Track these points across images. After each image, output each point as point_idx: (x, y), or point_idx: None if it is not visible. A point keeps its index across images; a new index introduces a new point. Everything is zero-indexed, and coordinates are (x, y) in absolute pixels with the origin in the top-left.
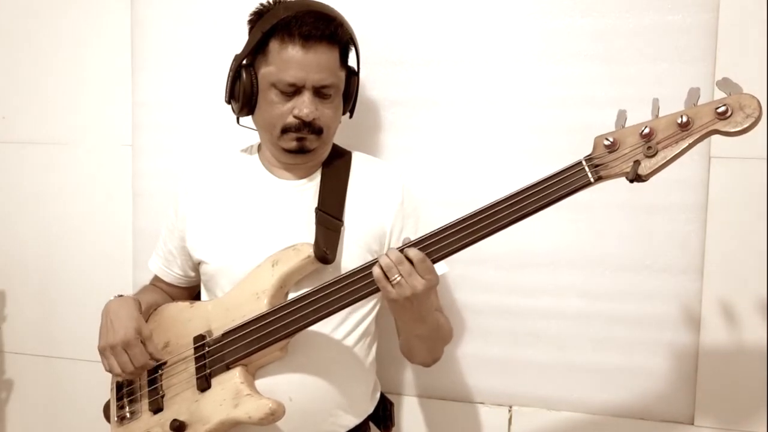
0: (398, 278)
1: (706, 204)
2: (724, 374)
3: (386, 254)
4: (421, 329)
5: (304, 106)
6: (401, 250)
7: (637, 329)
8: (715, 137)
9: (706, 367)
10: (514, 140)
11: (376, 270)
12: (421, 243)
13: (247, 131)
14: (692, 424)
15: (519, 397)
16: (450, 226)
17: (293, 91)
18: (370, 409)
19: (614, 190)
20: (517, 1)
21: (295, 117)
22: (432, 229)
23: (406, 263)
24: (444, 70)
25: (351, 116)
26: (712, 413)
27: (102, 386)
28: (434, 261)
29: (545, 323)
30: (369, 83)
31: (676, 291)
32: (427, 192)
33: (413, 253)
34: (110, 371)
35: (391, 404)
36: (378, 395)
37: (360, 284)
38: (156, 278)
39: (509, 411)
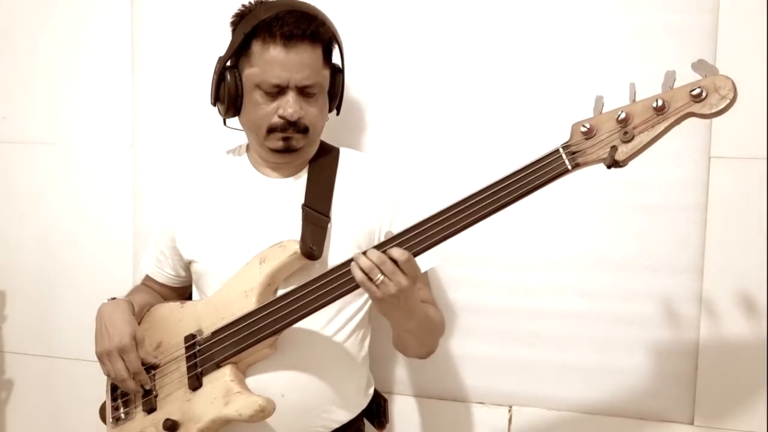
0: (381, 278)
1: (706, 204)
2: (723, 374)
3: (364, 255)
4: (411, 323)
5: (289, 105)
6: (382, 250)
7: (637, 329)
8: (716, 136)
9: (705, 367)
10: (510, 140)
11: (357, 273)
12: (399, 237)
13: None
14: (692, 424)
15: (519, 397)
16: (428, 219)
17: (277, 91)
18: (364, 404)
19: (614, 190)
20: (515, 1)
21: (280, 117)
22: (410, 224)
23: (389, 263)
24: (437, 68)
25: (338, 113)
26: (712, 413)
27: (102, 386)
28: (414, 255)
29: (545, 323)
30: (361, 81)
31: (676, 291)
32: (417, 187)
33: (398, 253)
34: (108, 376)
35: (385, 401)
36: (371, 390)
37: (346, 278)
38: (148, 278)
39: (509, 411)
